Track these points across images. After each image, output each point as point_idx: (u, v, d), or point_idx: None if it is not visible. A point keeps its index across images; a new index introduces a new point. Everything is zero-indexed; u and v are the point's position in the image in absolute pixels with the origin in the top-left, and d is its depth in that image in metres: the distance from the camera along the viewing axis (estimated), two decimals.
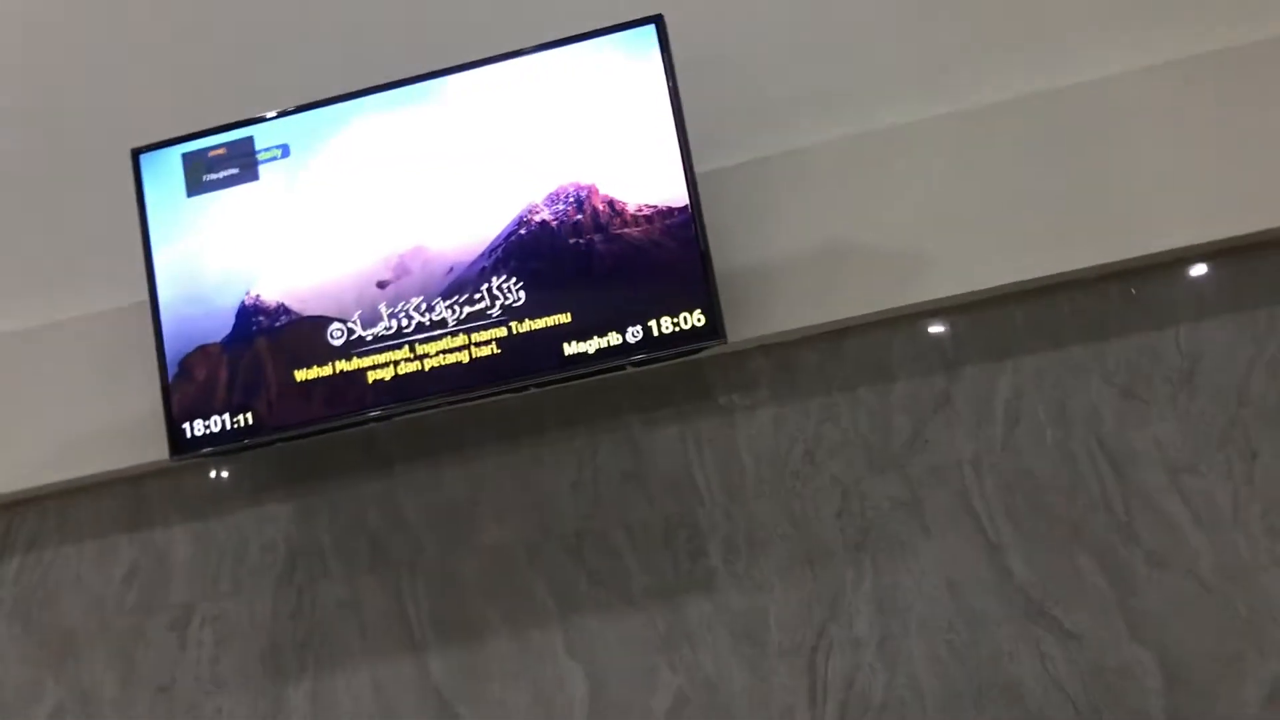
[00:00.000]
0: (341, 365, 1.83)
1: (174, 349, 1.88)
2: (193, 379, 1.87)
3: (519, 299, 1.81)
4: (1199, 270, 1.89)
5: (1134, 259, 1.85)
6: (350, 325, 1.84)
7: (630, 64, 1.83)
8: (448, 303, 1.82)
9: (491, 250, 1.83)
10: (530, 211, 1.83)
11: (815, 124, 1.98)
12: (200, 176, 1.93)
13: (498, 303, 1.81)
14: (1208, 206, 1.83)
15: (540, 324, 1.79)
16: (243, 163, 1.92)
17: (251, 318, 1.87)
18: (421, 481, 2.01)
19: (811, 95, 2.00)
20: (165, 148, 1.94)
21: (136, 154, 1.94)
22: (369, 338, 1.83)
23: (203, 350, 1.88)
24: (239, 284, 1.88)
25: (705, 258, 1.77)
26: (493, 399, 1.92)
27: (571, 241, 1.81)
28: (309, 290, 1.86)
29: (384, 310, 1.84)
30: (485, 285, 1.82)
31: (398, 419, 1.91)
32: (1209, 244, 1.84)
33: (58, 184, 2.16)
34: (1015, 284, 1.87)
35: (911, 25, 1.99)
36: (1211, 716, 1.72)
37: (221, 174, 1.92)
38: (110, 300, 2.08)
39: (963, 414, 1.90)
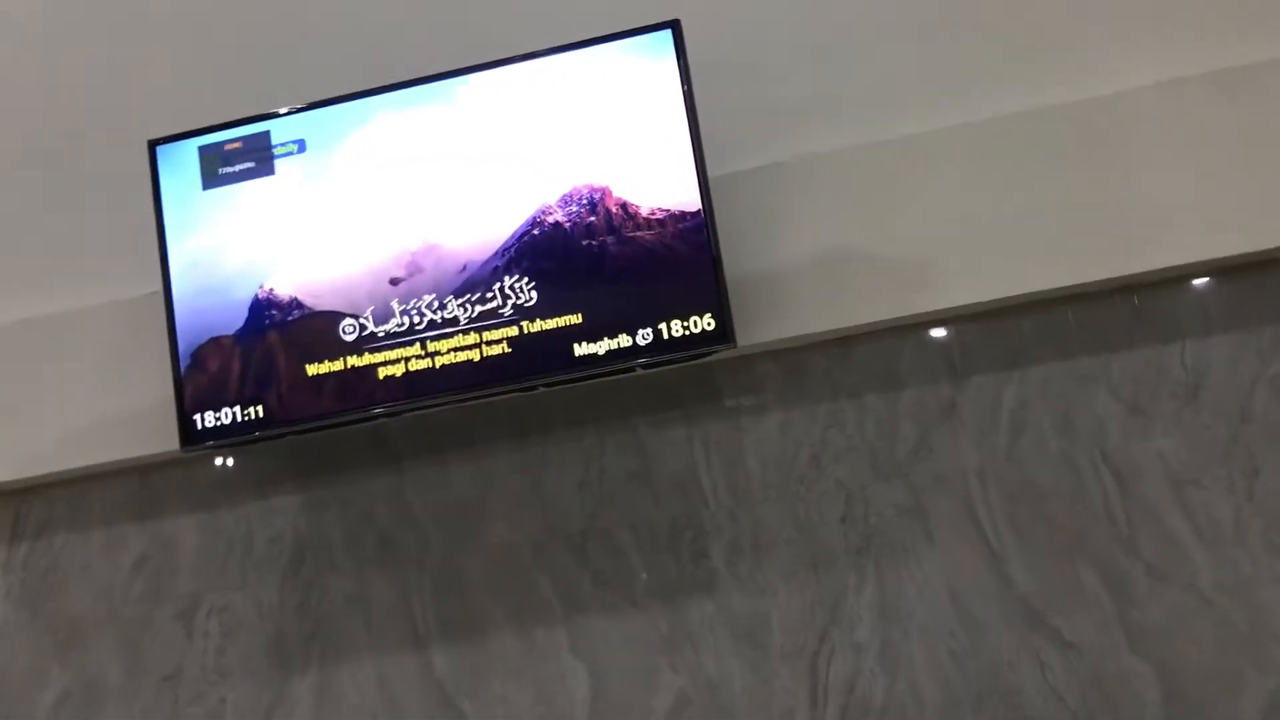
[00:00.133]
0: (353, 361, 1.84)
1: (187, 341, 1.89)
2: (205, 371, 1.88)
3: (530, 299, 1.82)
4: (1206, 286, 1.90)
5: (1141, 274, 1.86)
6: (362, 321, 1.85)
7: (646, 68, 1.84)
8: (460, 301, 1.83)
9: (504, 250, 1.84)
10: (544, 212, 1.84)
11: (828, 131, 1.99)
12: (216, 170, 1.94)
13: (509, 302, 1.82)
14: (1216, 223, 1.84)
15: (551, 324, 1.81)
16: (259, 157, 1.93)
17: (265, 311, 1.88)
18: (430, 478, 2.02)
19: (825, 103, 2.01)
20: (182, 140, 1.95)
21: (153, 146, 1.95)
22: (381, 334, 1.84)
23: (215, 342, 1.89)
24: (253, 277, 1.89)
25: (716, 262, 1.78)
26: (502, 398, 1.93)
27: (584, 243, 1.82)
28: (322, 285, 1.87)
29: (396, 307, 1.85)
30: (497, 284, 1.83)
31: (407, 415, 1.93)
32: (1216, 260, 1.85)
33: (75, 174, 2.17)
34: (1023, 295, 1.88)
35: (926, 37, 2.00)
36: None
37: (237, 167, 1.93)
38: (124, 291, 2.09)
39: (968, 423, 1.91)
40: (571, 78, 1.86)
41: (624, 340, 1.79)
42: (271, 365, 1.86)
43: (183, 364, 1.88)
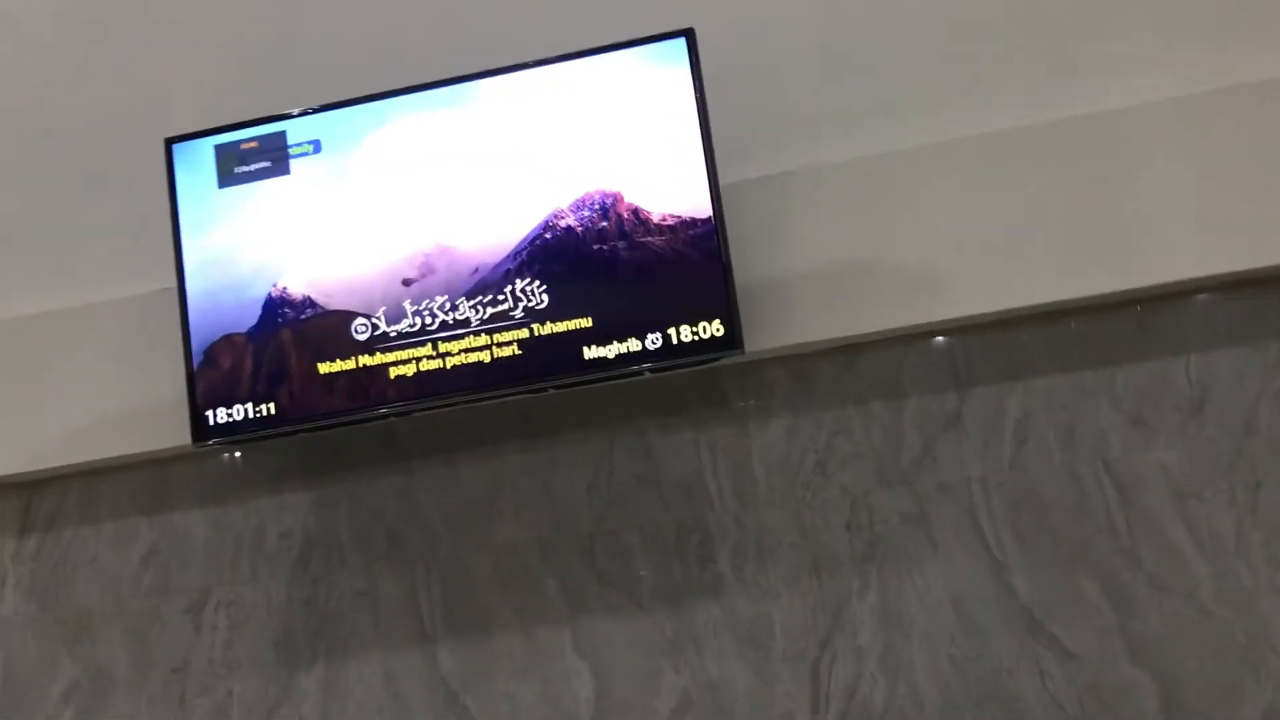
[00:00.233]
0: (365, 360, 1.86)
1: (200, 337, 1.91)
2: (217, 367, 1.90)
3: (542, 302, 1.83)
4: (1211, 301, 1.91)
5: (1146, 288, 1.87)
6: (375, 321, 1.87)
7: (660, 75, 1.86)
8: (471, 303, 1.85)
9: (517, 253, 1.86)
10: (556, 216, 1.86)
11: (838, 141, 2.01)
12: (232, 168, 1.95)
13: (521, 305, 1.84)
14: (1221, 238, 1.85)
15: (561, 327, 1.82)
16: (274, 156, 1.94)
17: (278, 309, 1.90)
18: (439, 477, 2.04)
19: (836, 112, 2.02)
20: (198, 139, 1.96)
21: (170, 144, 1.96)
22: (393, 334, 1.86)
23: (228, 339, 1.90)
24: (266, 276, 1.91)
25: (727, 269, 1.80)
26: (512, 399, 1.95)
27: (595, 247, 1.83)
28: (335, 285, 1.89)
29: (409, 307, 1.86)
30: (509, 287, 1.85)
31: (418, 415, 1.94)
32: (1221, 275, 1.86)
33: (91, 170, 2.18)
34: (1028, 307, 1.90)
35: (936, 48, 2.01)
36: None
37: (253, 166, 1.95)
38: (139, 286, 2.10)
39: (972, 432, 1.93)
40: (586, 84, 1.88)
41: (633, 344, 1.80)
42: (284, 363, 1.88)
43: (196, 360, 1.90)
